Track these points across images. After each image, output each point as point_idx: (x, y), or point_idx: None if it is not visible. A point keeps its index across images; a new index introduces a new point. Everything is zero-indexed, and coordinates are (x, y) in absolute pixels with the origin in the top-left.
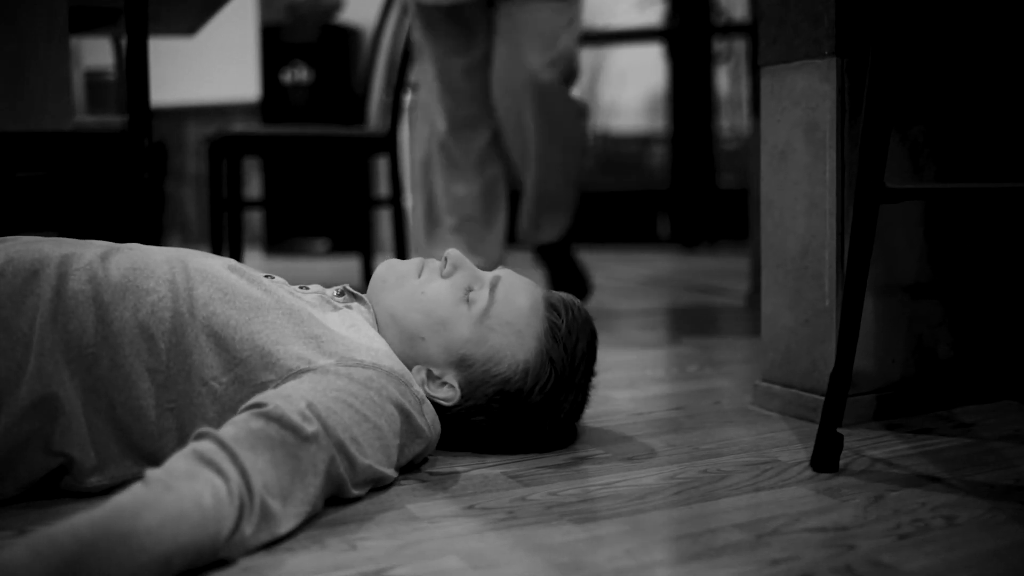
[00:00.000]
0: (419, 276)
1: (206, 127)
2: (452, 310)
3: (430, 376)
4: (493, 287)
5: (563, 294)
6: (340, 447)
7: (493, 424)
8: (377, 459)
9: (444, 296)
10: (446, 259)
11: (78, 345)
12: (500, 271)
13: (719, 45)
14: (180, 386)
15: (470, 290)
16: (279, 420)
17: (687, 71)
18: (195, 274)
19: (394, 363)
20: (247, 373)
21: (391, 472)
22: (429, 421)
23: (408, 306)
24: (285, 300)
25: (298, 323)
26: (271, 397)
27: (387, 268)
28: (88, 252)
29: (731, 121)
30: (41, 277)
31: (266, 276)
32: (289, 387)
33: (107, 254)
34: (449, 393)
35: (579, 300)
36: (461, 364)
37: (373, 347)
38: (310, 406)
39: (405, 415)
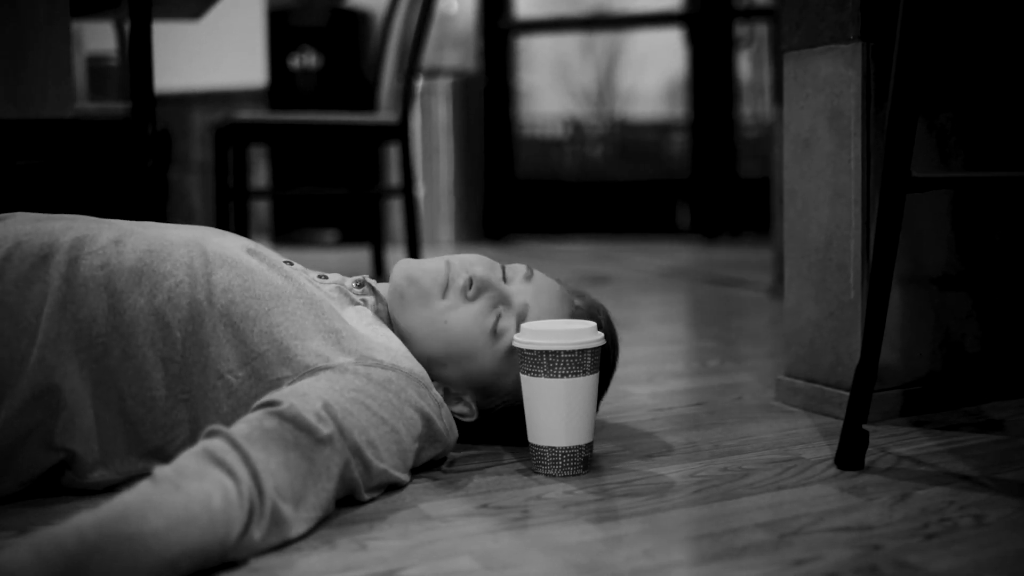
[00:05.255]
0: (443, 296)
1: (212, 114)
2: (477, 343)
3: (447, 393)
4: (522, 318)
5: (591, 303)
6: (355, 450)
7: (510, 424)
8: (393, 463)
9: (469, 328)
10: (471, 281)
11: (88, 335)
12: (528, 293)
13: (741, 29)
14: (195, 378)
15: (498, 316)
16: (293, 420)
17: (708, 56)
18: (214, 258)
19: (413, 364)
20: (264, 368)
21: (405, 477)
22: (447, 424)
23: (428, 332)
24: (306, 289)
25: (319, 315)
26: (286, 395)
27: (407, 281)
28: (102, 235)
29: (753, 108)
30: (50, 263)
31: (285, 262)
32: (305, 385)
33: (121, 238)
34: (465, 410)
35: (605, 309)
36: (483, 391)
37: (392, 347)
38: (326, 407)
39: (426, 420)
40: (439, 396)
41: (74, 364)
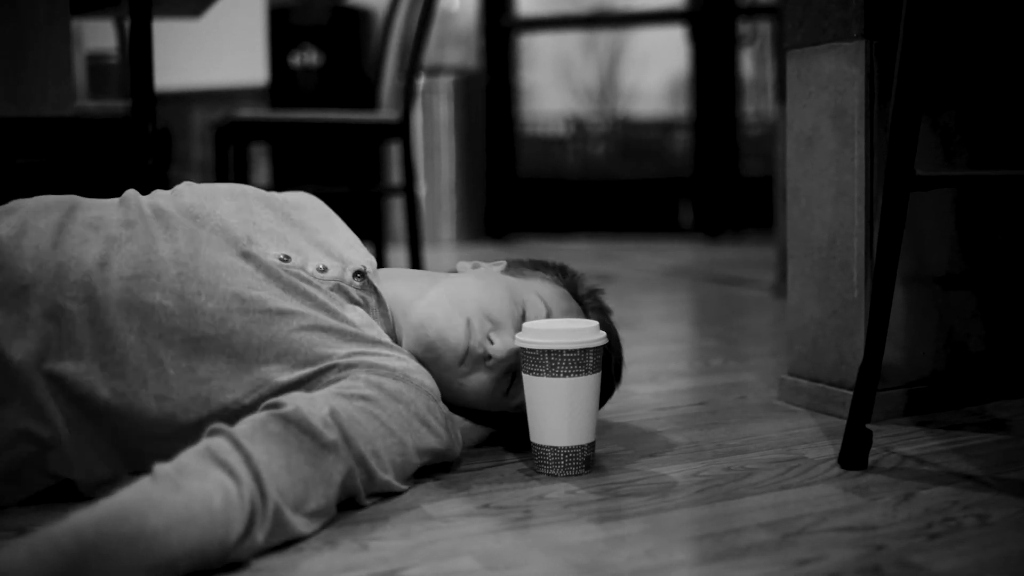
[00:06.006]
0: (462, 363)
1: (212, 112)
2: (489, 402)
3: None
4: None
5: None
6: (360, 460)
7: (512, 425)
8: (396, 475)
9: (483, 393)
10: (490, 356)
11: (73, 372)
12: None
13: (744, 27)
14: (193, 414)
15: (512, 380)
16: (299, 424)
17: (711, 54)
18: (207, 276)
19: (424, 377)
20: (272, 393)
21: (405, 486)
22: (454, 437)
23: (442, 387)
24: (309, 298)
25: (325, 326)
26: (294, 398)
27: (423, 348)
28: (88, 254)
29: (756, 106)
30: (30, 294)
31: (282, 259)
32: (316, 391)
33: (107, 257)
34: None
35: (615, 332)
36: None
37: (402, 355)
38: (333, 413)
39: (434, 434)
40: (447, 409)
41: (61, 399)
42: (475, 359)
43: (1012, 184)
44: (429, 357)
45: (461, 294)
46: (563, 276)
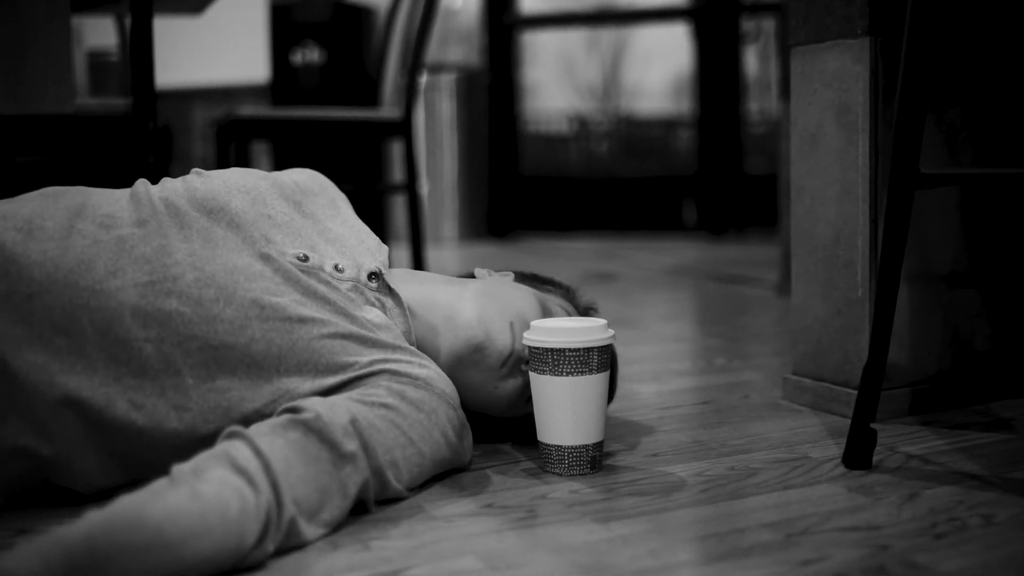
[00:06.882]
0: (502, 366)
1: (213, 110)
2: (513, 406)
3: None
4: None
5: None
6: (377, 471)
7: (518, 423)
8: (409, 484)
9: (512, 398)
10: (527, 362)
11: (88, 386)
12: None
13: (747, 24)
14: (212, 424)
15: None
16: (319, 433)
17: (714, 51)
18: (225, 281)
19: (445, 385)
20: (293, 399)
21: (411, 494)
22: (467, 446)
23: (472, 389)
24: (328, 300)
25: (346, 333)
26: (314, 403)
27: (471, 349)
28: (99, 258)
29: (760, 104)
30: (38, 305)
31: (300, 258)
32: (337, 395)
33: (119, 262)
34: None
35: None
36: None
37: (424, 362)
38: (354, 422)
39: (450, 445)
40: (463, 416)
41: (69, 416)
42: (514, 362)
43: (1017, 182)
44: (475, 359)
45: (501, 299)
46: (565, 292)
